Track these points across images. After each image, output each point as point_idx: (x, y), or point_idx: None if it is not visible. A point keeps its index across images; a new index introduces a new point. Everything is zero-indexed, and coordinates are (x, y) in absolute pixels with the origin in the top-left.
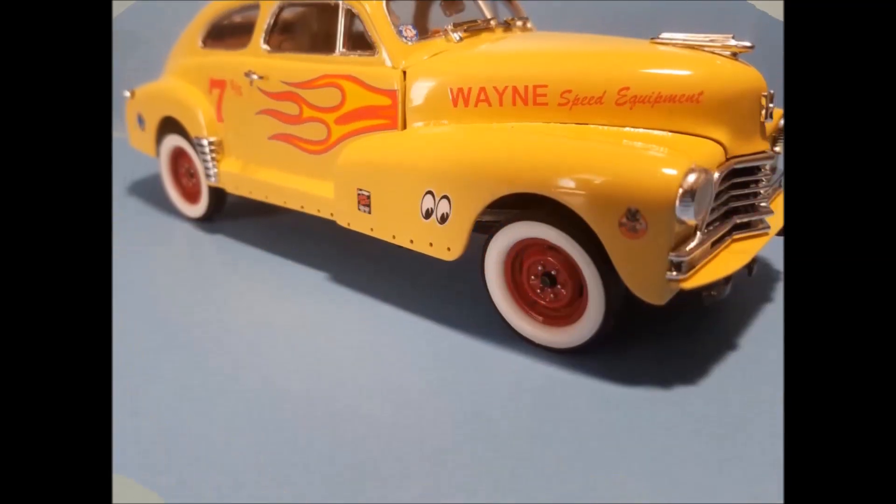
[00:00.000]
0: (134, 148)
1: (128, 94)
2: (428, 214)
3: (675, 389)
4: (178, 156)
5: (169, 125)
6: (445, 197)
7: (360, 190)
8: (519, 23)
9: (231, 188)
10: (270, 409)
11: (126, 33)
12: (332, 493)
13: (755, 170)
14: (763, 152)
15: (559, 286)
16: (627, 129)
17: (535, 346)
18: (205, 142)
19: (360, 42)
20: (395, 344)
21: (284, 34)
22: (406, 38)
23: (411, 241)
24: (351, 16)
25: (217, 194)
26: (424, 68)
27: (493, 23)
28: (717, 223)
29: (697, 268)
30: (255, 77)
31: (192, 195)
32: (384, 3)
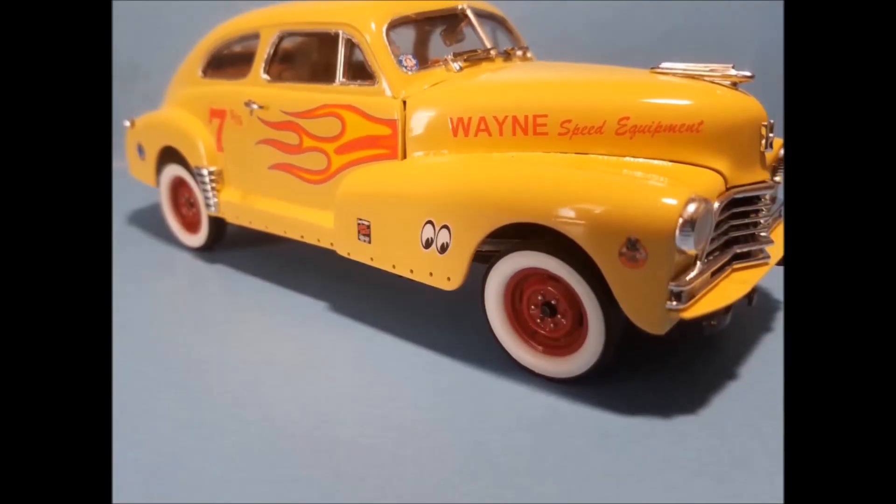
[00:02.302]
0: (134, 177)
1: (128, 123)
2: (428, 244)
3: (676, 420)
4: (178, 185)
5: (169, 155)
6: (445, 226)
7: (360, 219)
8: (519, 52)
9: (231, 218)
10: (271, 444)
11: (126, 63)
12: None
13: (755, 199)
14: (763, 182)
15: (559, 316)
16: (627, 158)
17: (535, 376)
18: (205, 171)
19: (360, 72)
20: (396, 375)
21: (284, 64)
22: (406, 67)
23: (411, 271)
24: (351, 45)
25: (217, 224)
26: (424, 98)
27: (493, 52)
28: (717, 253)
29: (697, 297)
30: (255, 107)
31: (192, 225)
32: (384, 32)
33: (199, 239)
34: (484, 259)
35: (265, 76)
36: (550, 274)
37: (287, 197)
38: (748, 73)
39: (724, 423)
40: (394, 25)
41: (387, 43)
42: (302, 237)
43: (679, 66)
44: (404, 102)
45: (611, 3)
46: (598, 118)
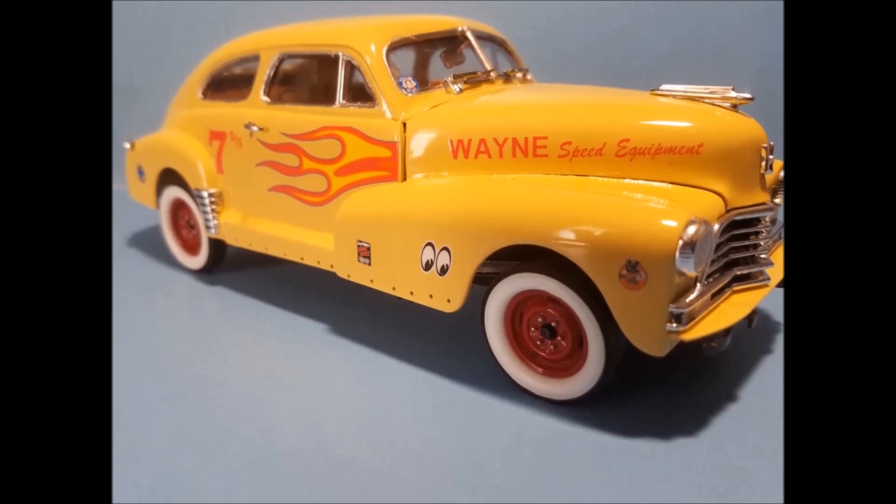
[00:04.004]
0: (134, 200)
1: (128, 145)
2: (428, 266)
3: (676, 441)
4: (178, 207)
5: (169, 177)
6: (445, 248)
7: (360, 241)
8: (519, 74)
9: (231, 240)
10: (270, 462)
11: (126, 85)
12: None
13: (755, 221)
14: (763, 204)
15: (559, 338)
16: (627, 180)
17: (535, 398)
18: (205, 193)
19: (360, 94)
20: (395, 396)
21: (284, 86)
22: (406, 89)
23: (411, 293)
24: (351, 67)
25: (217, 246)
26: (424, 120)
27: (493, 74)
28: (717, 275)
29: (697, 319)
30: (255, 129)
31: (192, 247)
32: (384, 54)
33: (199, 261)
34: (484, 281)
35: (265, 98)
36: (550, 296)
37: (287, 219)
38: (748, 95)
39: (724, 444)
40: (394, 47)
41: (387, 65)
42: (302, 259)
43: (679, 87)
44: (404, 124)
45: (610, 24)
46: (598, 140)
